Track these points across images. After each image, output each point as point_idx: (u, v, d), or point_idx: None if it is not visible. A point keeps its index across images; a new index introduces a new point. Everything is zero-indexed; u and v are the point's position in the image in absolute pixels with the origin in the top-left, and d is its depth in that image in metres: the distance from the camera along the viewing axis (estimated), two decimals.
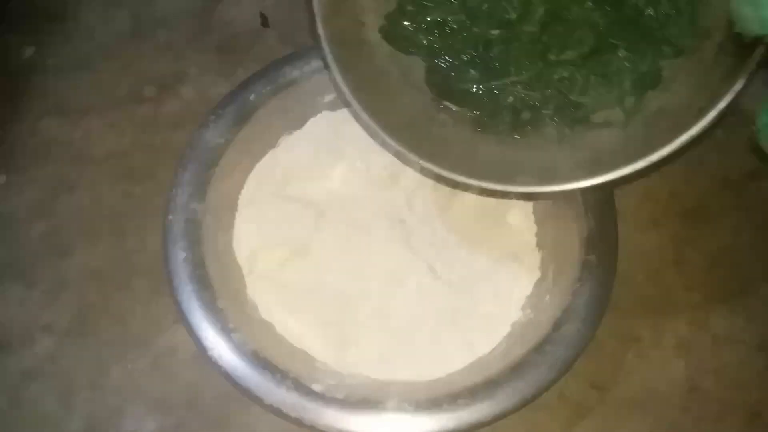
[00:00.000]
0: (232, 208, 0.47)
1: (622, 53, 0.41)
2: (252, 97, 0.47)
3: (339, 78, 0.40)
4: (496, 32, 0.42)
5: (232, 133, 0.46)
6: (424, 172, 0.46)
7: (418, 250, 0.46)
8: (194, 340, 0.42)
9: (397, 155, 0.45)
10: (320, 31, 0.40)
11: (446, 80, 0.44)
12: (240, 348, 0.41)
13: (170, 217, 0.44)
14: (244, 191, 0.48)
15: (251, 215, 0.47)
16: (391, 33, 0.44)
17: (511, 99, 0.43)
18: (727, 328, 0.46)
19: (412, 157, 0.40)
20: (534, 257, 0.46)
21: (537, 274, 0.46)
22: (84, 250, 0.48)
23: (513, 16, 0.42)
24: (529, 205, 0.48)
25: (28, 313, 0.46)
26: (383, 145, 0.44)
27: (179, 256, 0.43)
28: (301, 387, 0.40)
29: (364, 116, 0.41)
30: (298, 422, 0.39)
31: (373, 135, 0.44)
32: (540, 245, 0.47)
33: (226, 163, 0.46)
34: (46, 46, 0.55)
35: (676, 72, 0.41)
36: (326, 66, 0.41)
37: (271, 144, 0.49)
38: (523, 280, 0.45)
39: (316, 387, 0.40)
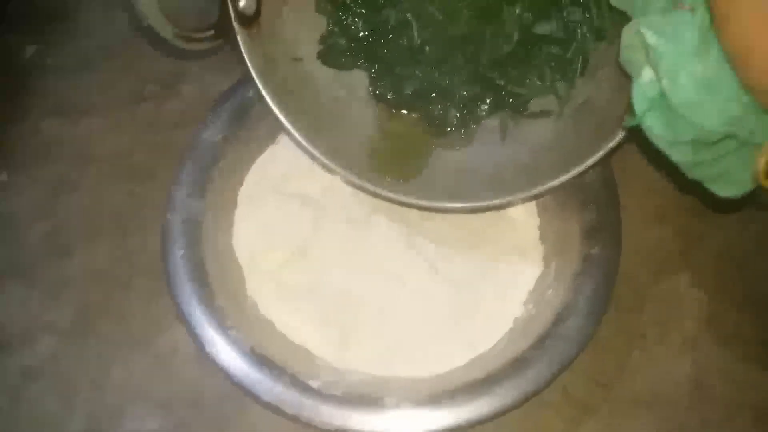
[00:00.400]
0: (231, 205, 0.47)
1: (547, 43, 0.42)
2: (251, 93, 0.47)
3: (294, 132, 0.42)
4: (427, 36, 0.43)
5: (231, 131, 0.46)
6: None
7: (418, 246, 0.46)
8: (192, 338, 0.41)
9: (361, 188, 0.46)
10: (265, 92, 0.41)
11: (390, 88, 0.45)
12: (237, 345, 0.40)
13: (169, 215, 0.44)
14: (243, 188, 0.48)
15: (251, 213, 0.47)
16: (328, 54, 0.45)
17: (453, 96, 0.44)
18: (734, 325, 0.45)
19: (377, 190, 0.43)
20: (536, 252, 0.46)
21: (539, 269, 0.45)
22: (85, 250, 0.48)
23: (439, 17, 0.43)
24: None
25: (29, 313, 0.46)
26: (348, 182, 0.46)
27: (178, 253, 0.43)
28: (298, 384, 0.39)
29: (331, 164, 0.43)
30: (295, 419, 0.39)
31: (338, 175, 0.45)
32: (542, 239, 0.46)
33: (225, 161, 0.46)
34: (47, 45, 0.55)
35: (601, 60, 0.42)
36: (278, 122, 0.42)
37: (271, 140, 0.49)
38: (525, 275, 0.45)
39: (314, 384, 0.39)
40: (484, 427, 0.40)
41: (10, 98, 0.53)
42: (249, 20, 0.40)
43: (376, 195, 0.44)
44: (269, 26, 0.41)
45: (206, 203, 0.45)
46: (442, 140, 0.46)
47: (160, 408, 0.44)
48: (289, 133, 0.43)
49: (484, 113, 0.45)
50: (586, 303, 0.41)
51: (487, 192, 0.43)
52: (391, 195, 0.43)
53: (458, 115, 0.45)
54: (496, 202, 0.43)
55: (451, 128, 0.45)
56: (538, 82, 0.43)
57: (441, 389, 0.40)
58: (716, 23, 0.26)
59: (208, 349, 0.41)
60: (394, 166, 0.45)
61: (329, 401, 0.39)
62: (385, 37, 0.44)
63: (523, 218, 0.47)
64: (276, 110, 0.42)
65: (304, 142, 0.42)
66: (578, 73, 0.43)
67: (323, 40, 0.45)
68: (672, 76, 0.27)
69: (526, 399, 0.39)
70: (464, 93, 0.44)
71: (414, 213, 0.47)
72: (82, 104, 0.53)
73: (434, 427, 0.39)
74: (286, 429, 0.41)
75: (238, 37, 0.40)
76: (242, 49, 0.40)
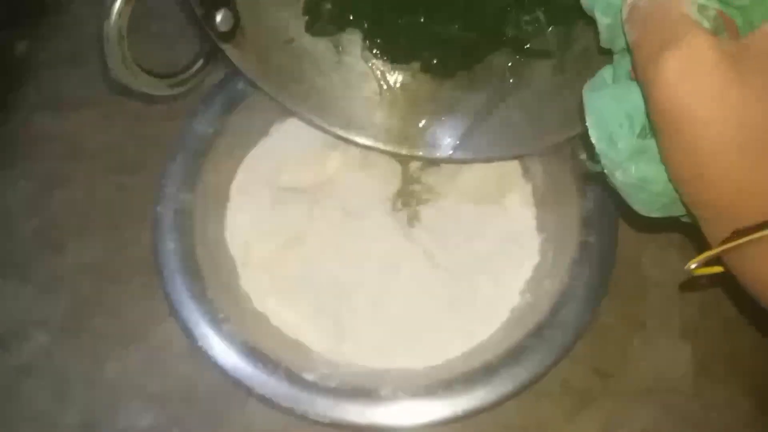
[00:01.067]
0: (223, 197, 0.47)
1: None
2: (240, 85, 0.46)
3: (308, 115, 0.44)
4: None
5: (222, 122, 0.46)
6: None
7: (414, 235, 0.45)
8: (184, 332, 0.41)
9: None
10: (270, 92, 0.42)
11: (385, 42, 0.44)
12: (230, 339, 0.40)
13: (159, 208, 0.44)
14: (235, 180, 0.47)
15: (244, 205, 0.47)
16: (315, 24, 0.44)
17: (450, 42, 0.43)
18: (736, 310, 0.45)
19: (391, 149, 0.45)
20: (533, 241, 0.45)
21: (536, 258, 0.45)
22: (78, 245, 0.48)
23: None
24: (528, 188, 0.47)
25: (23, 309, 0.46)
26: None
27: (169, 247, 0.42)
28: (292, 376, 0.39)
29: (346, 136, 0.45)
30: (290, 412, 0.39)
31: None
32: (539, 228, 0.46)
33: (216, 153, 0.46)
34: (38, 39, 0.55)
35: None
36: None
37: (264, 132, 0.48)
38: (522, 265, 0.44)
39: (309, 376, 0.39)
40: (481, 417, 0.40)
41: (1, 93, 0.53)
42: (231, 33, 0.39)
43: (389, 153, 0.45)
44: (252, 26, 0.40)
45: (198, 196, 0.44)
46: (449, 87, 0.45)
47: (154, 402, 0.43)
48: (302, 118, 0.44)
49: (485, 53, 0.44)
50: (583, 290, 0.41)
51: (497, 142, 0.43)
52: (404, 152, 0.45)
53: (458, 57, 0.44)
54: (507, 153, 0.44)
55: (454, 72, 0.45)
56: (535, 27, 0.43)
57: (437, 380, 0.39)
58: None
59: (201, 343, 0.40)
60: (405, 118, 0.45)
61: (324, 394, 0.39)
62: None
63: (519, 207, 0.46)
64: (286, 104, 0.43)
65: (317, 121, 0.44)
66: (574, 18, 0.41)
67: (306, 11, 0.44)
68: (610, 171, 0.29)
69: (523, 389, 0.39)
70: (461, 39, 0.43)
71: (409, 202, 0.46)
72: (72, 98, 0.52)
73: (431, 418, 0.38)
74: (282, 422, 0.41)
75: (228, 54, 0.40)
76: (235, 63, 0.40)
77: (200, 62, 0.43)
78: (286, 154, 0.48)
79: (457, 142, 0.44)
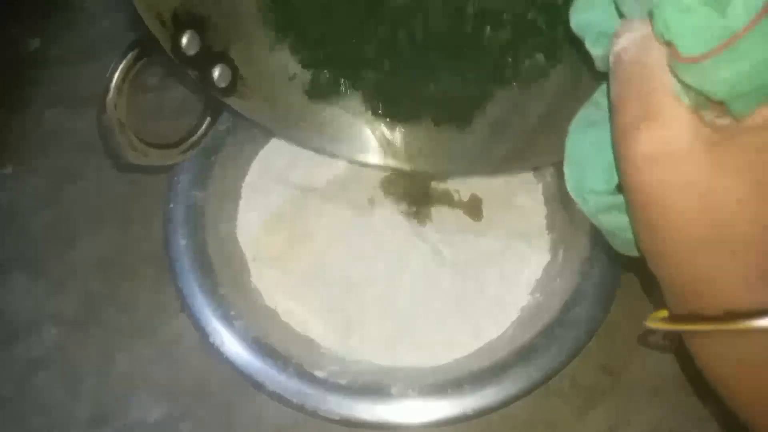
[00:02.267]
0: (235, 194, 0.47)
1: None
2: None
3: (328, 150, 0.45)
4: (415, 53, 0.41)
5: (233, 120, 0.46)
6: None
7: (424, 233, 0.45)
8: (196, 328, 0.41)
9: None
10: (285, 137, 0.44)
11: (388, 106, 0.44)
12: (241, 334, 0.40)
13: (171, 204, 0.44)
14: (247, 177, 0.47)
15: (255, 202, 0.47)
16: (315, 91, 0.43)
17: (455, 99, 0.43)
18: None
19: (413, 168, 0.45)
20: (543, 240, 0.45)
21: (546, 257, 0.45)
22: (90, 239, 0.48)
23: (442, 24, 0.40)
24: (537, 187, 0.47)
25: (35, 303, 0.46)
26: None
27: (181, 243, 0.43)
28: (303, 373, 0.39)
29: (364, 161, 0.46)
30: (300, 408, 0.39)
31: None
32: (549, 227, 0.46)
33: (228, 150, 0.46)
34: (50, 36, 0.55)
35: None
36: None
37: None
38: (532, 264, 0.44)
39: (319, 373, 0.39)
40: (490, 416, 0.40)
41: (13, 89, 0.53)
42: (232, 86, 0.39)
43: (410, 172, 0.46)
44: (252, 72, 0.40)
45: (209, 193, 0.45)
46: None
47: (165, 396, 0.43)
48: (321, 152, 0.45)
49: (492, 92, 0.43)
50: (594, 290, 0.41)
51: (516, 154, 0.42)
52: (426, 170, 0.45)
53: (466, 105, 0.43)
54: (526, 164, 0.44)
55: (470, 120, 0.44)
56: (536, 69, 0.41)
57: (447, 378, 0.39)
58: None
59: (212, 338, 0.41)
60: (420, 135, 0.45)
61: (334, 390, 0.39)
62: (369, 60, 0.42)
63: (530, 206, 0.46)
64: (303, 141, 0.44)
65: (334, 152, 0.45)
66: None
67: (304, 64, 0.43)
68: (585, 215, 0.29)
69: (533, 388, 0.39)
70: (466, 94, 0.42)
71: (419, 201, 0.47)
72: (85, 95, 0.52)
73: (440, 416, 0.39)
74: (291, 418, 0.41)
75: (235, 107, 0.40)
76: (244, 114, 0.40)
77: (207, 120, 0.43)
78: (297, 151, 0.47)
79: (476, 155, 0.44)
